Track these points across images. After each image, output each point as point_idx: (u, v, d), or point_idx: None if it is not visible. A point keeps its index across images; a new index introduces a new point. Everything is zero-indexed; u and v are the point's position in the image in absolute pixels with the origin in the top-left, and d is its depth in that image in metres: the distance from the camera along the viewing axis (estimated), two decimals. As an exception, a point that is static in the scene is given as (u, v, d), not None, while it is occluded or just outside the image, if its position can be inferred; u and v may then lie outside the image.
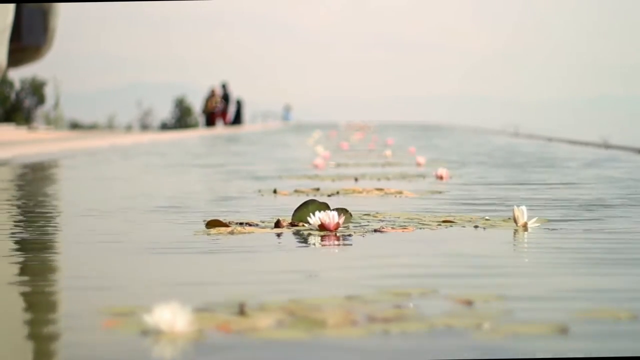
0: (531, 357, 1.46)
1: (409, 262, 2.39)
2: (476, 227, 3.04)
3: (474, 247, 2.65)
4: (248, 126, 32.04)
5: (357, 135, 18.78)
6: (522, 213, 3.00)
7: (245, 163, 8.23)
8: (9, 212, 3.80)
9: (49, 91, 34.03)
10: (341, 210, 2.97)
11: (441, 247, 2.66)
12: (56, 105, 33.82)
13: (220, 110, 30.28)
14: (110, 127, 38.92)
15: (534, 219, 3.01)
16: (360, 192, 4.50)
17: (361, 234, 2.86)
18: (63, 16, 10.58)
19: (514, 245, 2.80)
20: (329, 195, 4.30)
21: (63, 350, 1.54)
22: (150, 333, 1.54)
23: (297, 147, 12.44)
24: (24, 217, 3.63)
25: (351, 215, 3.11)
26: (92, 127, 38.45)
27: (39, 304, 1.93)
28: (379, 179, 5.64)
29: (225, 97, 30.74)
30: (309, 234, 2.86)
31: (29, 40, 10.22)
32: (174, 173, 6.74)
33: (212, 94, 29.90)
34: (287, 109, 47.21)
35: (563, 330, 1.59)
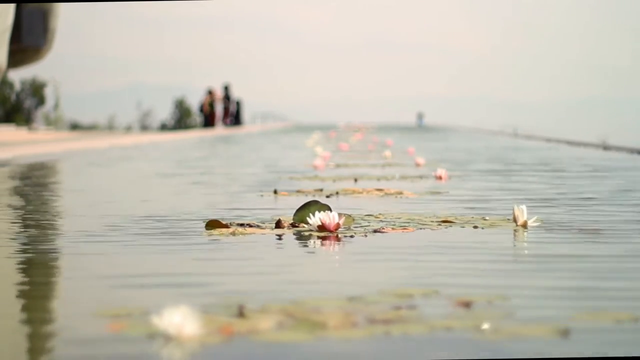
0: (531, 358, 1.46)
1: (409, 262, 2.39)
2: (475, 227, 3.03)
3: (474, 247, 2.65)
4: (247, 127, 32.06)
5: (356, 136, 18.79)
6: (522, 212, 3.00)
7: (244, 163, 8.23)
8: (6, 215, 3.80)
9: (49, 92, 34.08)
10: (344, 215, 2.97)
11: (441, 247, 2.65)
12: (56, 106, 33.86)
13: (223, 110, 30.33)
14: (110, 127, 38.94)
15: (534, 218, 3.00)
16: (360, 193, 4.49)
17: (362, 234, 2.86)
18: (63, 17, 10.58)
19: (514, 245, 2.80)
20: (327, 196, 4.30)
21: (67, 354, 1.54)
22: (158, 336, 1.53)
23: (297, 148, 12.43)
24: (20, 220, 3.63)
25: (353, 219, 3.11)
26: (92, 128, 38.48)
27: (37, 305, 1.93)
28: (378, 179, 5.64)
29: (227, 99, 30.80)
30: (310, 235, 2.86)
31: (29, 41, 10.21)
32: (173, 174, 6.73)
33: (209, 94, 29.90)
34: (421, 116, 50.03)
35: (564, 332, 1.59)
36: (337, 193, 4.47)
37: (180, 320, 1.52)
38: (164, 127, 40.14)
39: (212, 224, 3.02)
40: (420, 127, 39.58)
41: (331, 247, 2.70)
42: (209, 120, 29.81)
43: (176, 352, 1.47)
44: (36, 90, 33.98)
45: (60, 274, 2.37)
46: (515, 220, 3.00)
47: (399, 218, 3.27)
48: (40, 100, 34.06)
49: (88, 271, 2.32)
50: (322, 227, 2.88)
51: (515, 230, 2.95)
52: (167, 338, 1.52)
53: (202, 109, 29.92)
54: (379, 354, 1.47)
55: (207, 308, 1.72)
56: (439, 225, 3.09)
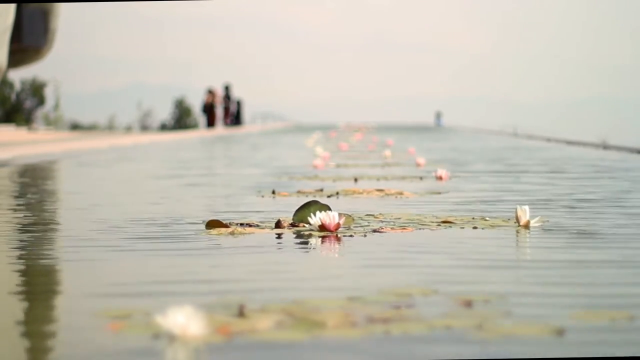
0: (530, 358, 1.46)
1: (409, 262, 2.40)
2: (475, 227, 3.04)
3: (474, 248, 2.65)
4: (248, 127, 32.06)
5: (356, 136, 18.79)
6: (524, 212, 3.00)
7: (244, 164, 8.24)
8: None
9: (49, 92, 34.08)
10: (344, 215, 2.97)
11: (441, 247, 2.66)
12: (56, 106, 33.86)
13: (223, 109, 30.36)
14: (110, 128, 38.96)
15: (536, 219, 3.00)
16: (360, 193, 4.50)
17: (362, 234, 2.86)
18: (63, 17, 10.58)
19: (514, 245, 2.80)
20: (328, 196, 4.31)
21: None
22: (162, 336, 1.53)
23: (297, 148, 12.43)
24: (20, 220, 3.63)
25: (353, 219, 3.11)
26: (92, 128, 38.50)
27: (37, 306, 1.93)
28: (378, 179, 5.64)
29: (227, 99, 30.84)
30: (310, 235, 2.86)
31: (29, 41, 10.22)
32: (173, 175, 6.74)
33: (209, 94, 29.91)
34: (439, 116, 49.59)
35: (561, 332, 1.59)
36: (337, 193, 4.48)
37: (184, 320, 1.52)
38: (164, 127, 40.15)
39: (212, 224, 3.02)
40: (438, 127, 37.37)
41: (331, 247, 2.70)
42: (209, 120, 29.81)
43: (180, 352, 1.47)
44: (36, 90, 33.97)
45: (59, 277, 2.37)
46: (517, 220, 3.00)
47: (399, 218, 3.27)
48: (40, 100, 34.06)
49: (88, 273, 2.32)
50: (322, 227, 2.88)
51: (515, 231, 2.96)
52: (171, 338, 1.52)
53: (204, 109, 29.93)
54: (378, 353, 1.48)
55: (207, 308, 1.73)
56: (439, 225, 3.09)
